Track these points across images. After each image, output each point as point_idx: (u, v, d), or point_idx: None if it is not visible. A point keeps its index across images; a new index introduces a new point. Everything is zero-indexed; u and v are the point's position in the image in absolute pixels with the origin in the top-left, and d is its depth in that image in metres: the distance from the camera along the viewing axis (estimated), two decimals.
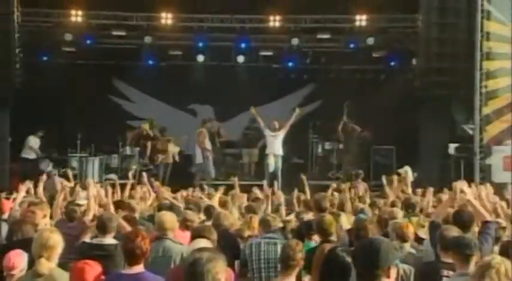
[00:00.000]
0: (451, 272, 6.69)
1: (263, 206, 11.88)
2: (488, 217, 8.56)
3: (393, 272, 4.46)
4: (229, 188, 15.54)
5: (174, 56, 24.20)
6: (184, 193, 15.65)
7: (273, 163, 20.36)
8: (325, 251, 7.19)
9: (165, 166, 21.95)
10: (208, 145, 21.36)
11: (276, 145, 20.43)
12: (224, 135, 23.19)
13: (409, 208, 11.44)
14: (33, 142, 21.84)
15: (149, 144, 22.38)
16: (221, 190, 14.60)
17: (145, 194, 14.24)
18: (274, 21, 22.69)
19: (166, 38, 23.59)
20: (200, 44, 23.75)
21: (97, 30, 23.03)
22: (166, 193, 14.44)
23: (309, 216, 10.55)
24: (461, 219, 8.30)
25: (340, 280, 5.69)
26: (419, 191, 14.94)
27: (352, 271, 5.72)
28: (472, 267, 6.13)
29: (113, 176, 21.09)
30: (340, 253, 5.99)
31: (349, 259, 5.88)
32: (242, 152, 23.52)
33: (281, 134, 20.44)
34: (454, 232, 7.30)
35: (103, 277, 5.73)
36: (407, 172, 15.76)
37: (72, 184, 17.36)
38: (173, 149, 22.42)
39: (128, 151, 22.68)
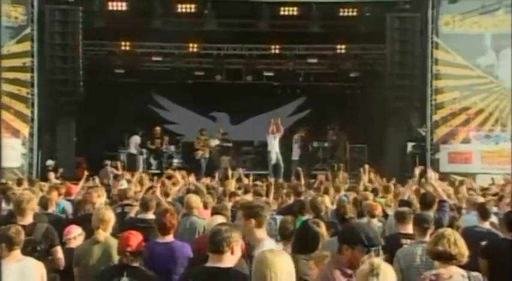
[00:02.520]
0: (408, 241, 6.66)
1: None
2: (445, 197, 8.61)
3: None
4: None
5: (199, 76, 24.19)
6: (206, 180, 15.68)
7: (274, 157, 20.36)
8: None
9: (205, 159, 21.77)
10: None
11: (275, 143, 20.43)
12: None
13: (376, 192, 11.54)
14: (137, 140, 21.95)
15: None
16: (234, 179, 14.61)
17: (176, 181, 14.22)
18: (275, 49, 22.57)
19: (192, 62, 23.56)
20: (218, 67, 23.72)
21: (140, 56, 23.01)
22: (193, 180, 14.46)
23: (291, 199, 10.61)
24: (426, 199, 8.32)
25: (310, 246, 5.61)
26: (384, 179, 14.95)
27: (320, 239, 5.75)
28: (427, 237, 6.10)
29: (152, 167, 21.06)
30: (311, 224, 5.91)
31: (318, 229, 5.77)
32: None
33: (278, 136, 20.43)
34: (407, 211, 7.31)
35: (144, 244, 5.69)
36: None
37: (120, 173, 17.39)
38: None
39: (163, 148, 22.58)
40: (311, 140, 23.38)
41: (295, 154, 22.28)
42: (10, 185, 12.05)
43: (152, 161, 22.21)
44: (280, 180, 16.57)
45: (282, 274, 3.77)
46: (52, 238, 7.11)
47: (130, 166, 20.38)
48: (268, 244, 5.10)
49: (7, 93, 18.86)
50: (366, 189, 12.22)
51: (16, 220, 7.35)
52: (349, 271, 4.20)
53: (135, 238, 5.55)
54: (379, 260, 3.51)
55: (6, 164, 18.33)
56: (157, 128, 22.41)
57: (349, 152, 22.59)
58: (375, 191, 11.69)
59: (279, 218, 8.06)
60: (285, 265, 3.82)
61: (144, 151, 21.97)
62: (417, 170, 10.69)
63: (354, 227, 5.08)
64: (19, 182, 13.80)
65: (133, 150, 21.82)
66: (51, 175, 16.74)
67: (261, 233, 5.27)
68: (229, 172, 16.29)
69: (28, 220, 7.28)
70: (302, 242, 5.68)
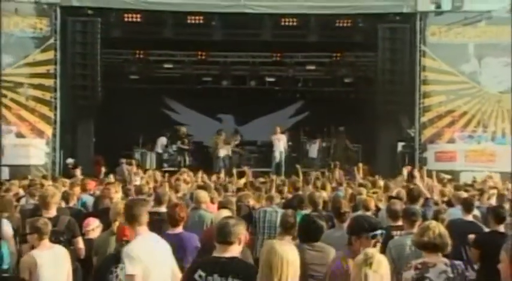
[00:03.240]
0: (398, 232, 6.67)
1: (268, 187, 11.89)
2: (428, 195, 8.65)
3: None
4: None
5: (206, 81, 24.13)
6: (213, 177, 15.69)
7: (278, 156, 20.45)
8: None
9: (228, 157, 21.66)
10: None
11: (280, 144, 20.53)
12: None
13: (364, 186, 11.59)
14: (163, 141, 21.96)
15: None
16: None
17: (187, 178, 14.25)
18: (276, 57, 22.58)
19: (200, 68, 23.52)
20: (224, 73, 23.71)
21: (153, 63, 23.03)
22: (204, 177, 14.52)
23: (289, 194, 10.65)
24: (412, 195, 8.37)
25: (313, 237, 5.66)
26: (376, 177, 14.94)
27: (322, 231, 5.82)
28: (416, 229, 6.12)
29: (164, 165, 21.08)
30: (315, 218, 5.94)
31: (321, 223, 5.82)
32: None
33: (283, 137, 20.56)
34: (397, 204, 7.30)
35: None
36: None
37: (135, 170, 17.41)
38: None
39: (174, 147, 22.61)
40: (309, 140, 23.39)
41: (312, 153, 22.33)
42: (37, 181, 12.11)
43: (179, 158, 22.18)
44: (282, 177, 16.57)
45: (288, 262, 3.79)
46: (74, 230, 7.16)
47: (158, 164, 20.44)
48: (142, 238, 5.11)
49: (32, 97, 18.99)
50: (360, 185, 12.23)
51: (41, 213, 7.40)
52: None
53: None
54: (374, 251, 3.51)
55: (31, 162, 18.45)
56: (183, 129, 22.36)
57: (344, 151, 22.59)
58: (362, 185, 11.75)
59: (280, 211, 8.11)
60: (290, 254, 3.85)
61: (170, 150, 21.99)
62: (405, 170, 10.84)
63: (357, 219, 5.20)
64: (44, 178, 13.90)
65: (159, 150, 21.86)
66: (78, 172, 16.75)
67: (140, 227, 5.19)
68: (234, 170, 16.37)
69: (52, 212, 7.33)
70: (306, 234, 5.71)
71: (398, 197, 8.66)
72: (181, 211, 6.58)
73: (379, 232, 4.73)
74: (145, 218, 5.23)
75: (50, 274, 5.58)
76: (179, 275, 5.23)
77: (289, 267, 3.80)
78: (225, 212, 6.80)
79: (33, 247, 5.83)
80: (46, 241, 5.87)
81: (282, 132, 21.25)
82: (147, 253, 4.98)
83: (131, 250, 4.96)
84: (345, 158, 22.03)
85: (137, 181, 13.16)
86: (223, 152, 21.31)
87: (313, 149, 22.54)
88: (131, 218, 5.20)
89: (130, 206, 5.41)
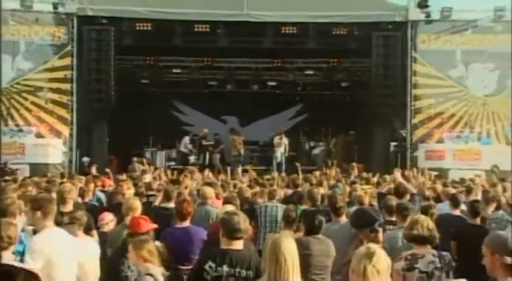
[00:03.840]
0: (391, 226, 6.68)
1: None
2: (413, 191, 8.68)
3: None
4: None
5: (212, 85, 24.16)
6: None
7: (279, 156, 20.47)
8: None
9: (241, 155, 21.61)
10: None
11: (281, 146, 20.56)
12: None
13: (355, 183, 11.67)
14: (186, 140, 21.97)
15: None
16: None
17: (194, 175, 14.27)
18: (277, 62, 22.54)
19: (207, 73, 23.54)
20: (229, 77, 23.72)
21: (163, 69, 23.05)
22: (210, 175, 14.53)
23: (289, 191, 10.63)
24: (399, 190, 8.38)
25: (316, 230, 5.70)
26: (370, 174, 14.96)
27: (323, 224, 5.86)
28: (407, 223, 6.13)
29: (172, 163, 21.09)
30: (317, 214, 5.97)
31: (322, 218, 5.87)
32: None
33: (284, 140, 20.60)
34: (393, 200, 7.30)
35: (152, 227, 5.66)
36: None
37: (146, 168, 17.42)
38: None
39: (182, 147, 22.62)
40: (308, 140, 23.45)
41: (315, 152, 22.38)
42: (55, 178, 12.13)
43: (202, 157, 22.15)
44: (283, 174, 16.57)
45: (289, 253, 3.86)
46: (89, 223, 7.17)
47: (183, 162, 20.45)
48: (47, 232, 4.96)
49: (51, 100, 19.02)
50: (354, 182, 12.23)
51: (59, 208, 7.41)
52: None
53: (145, 222, 5.51)
54: (375, 246, 3.50)
55: (50, 160, 18.49)
56: (205, 130, 22.35)
57: (340, 150, 22.60)
58: (355, 183, 11.78)
59: (280, 206, 8.12)
60: (291, 246, 3.91)
61: (193, 149, 21.97)
62: (396, 172, 10.89)
63: (357, 214, 5.24)
64: (62, 176, 13.93)
65: (183, 149, 21.85)
66: (93, 169, 16.77)
67: (46, 222, 4.99)
68: (240, 168, 16.42)
69: (69, 207, 7.34)
70: (311, 228, 5.76)
71: (386, 194, 8.67)
72: (188, 206, 6.59)
73: (376, 224, 4.78)
74: (52, 213, 5.00)
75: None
76: (88, 269, 5.24)
77: (293, 258, 3.87)
78: (229, 208, 6.81)
79: None
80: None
81: (285, 136, 21.22)
82: (50, 247, 4.78)
83: (34, 243, 4.79)
84: (342, 156, 22.08)
85: (147, 179, 13.18)
86: (242, 150, 21.37)
87: (317, 149, 22.56)
88: (36, 208, 4.99)
89: (35, 199, 5.26)
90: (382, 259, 3.39)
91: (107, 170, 14.60)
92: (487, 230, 6.94)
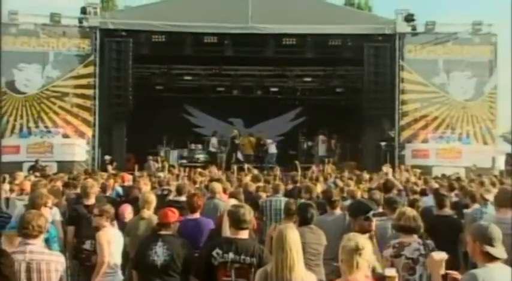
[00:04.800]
0: (381, 218, 6.65)
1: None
2: (400, 187, 8.67)
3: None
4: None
5: (220, 91, 24.22)
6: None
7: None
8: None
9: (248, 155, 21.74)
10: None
11: (273, 147, 20.79)
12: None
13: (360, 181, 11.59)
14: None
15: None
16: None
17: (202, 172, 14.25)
18: (278, 70, 22.61)
19: (215, 80, 23.60)
20: (235, 84, 23.72)
21: (175, 76, 23.07)
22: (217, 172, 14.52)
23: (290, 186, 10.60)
24: (387, 185, 8.38)
25: (309, 221, 5.72)
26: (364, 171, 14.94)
27: (314, 217, 5.87)
28: (396, 214, 6.11)
29: (184, 161, 21.11)
30: (309, 207, 5.99)
31: (313, 211, 5.89)
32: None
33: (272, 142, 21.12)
34: (377, 194, 7.29)
35: (176, 219, 5.67)
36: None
37: (160, 165, 17.46)
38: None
39: (193, 146, 22.62)
40: (306, 140, 23.39)
41: (321, 151, 22.33)
42: (79, 175, 12.14)
43: (184, 155, 22.16)
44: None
45: (294, 242, 3.90)
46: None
47: (212, 161, 20.51)
48: None
49: (76, 104, 19.05)
50: (350, 178, 12.22)
51: (83, 201, 7.43)
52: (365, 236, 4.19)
53: (172, 213, 5.52)
54: (363, 240, 3.50)
55: (75, 158, 18.53)
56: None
57: (335, 149, 22.57)
58: (350, 179, 11.78)
59: (284, 199, 8.10)
60: (296, 236, 3.94)
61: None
62: (384, 168, 10.97)
63: (353, 204, 5.25)
64: (85, 172, 13.94)
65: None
66: (109, 167, 16.82)
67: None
68: (246, 166, 16.40)
69: (91, 201, 7.37)
70: (304, 219, 5.78)
71: (378, 188, 8.65)
72: (199, 199, 6.58)
73: (370, 213, 4.82)
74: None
75: (115, 248, 5.61)
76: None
77: (297, 247, 3.90)
78: (233, 201, 6.80)
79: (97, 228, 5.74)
80: (109, 222, 5.82)
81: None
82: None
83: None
84: (337, 155, 22.06)
85: (161, 175, 13.17)
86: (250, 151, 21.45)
87: (321, 147, 22.49)
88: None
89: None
90: (369, 250, 3.43)
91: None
92: (454, 220, 7.03)
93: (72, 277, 6.36)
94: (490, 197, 7.26)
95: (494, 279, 3.42)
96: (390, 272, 3.91)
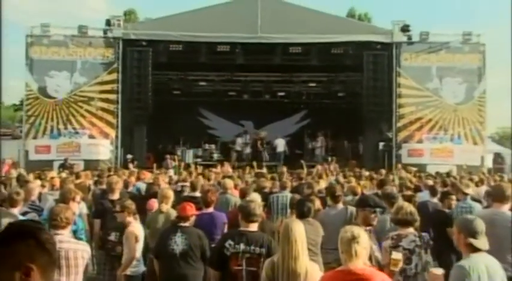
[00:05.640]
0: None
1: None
2: (393, 183, 8.66)
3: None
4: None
5: (232, 95, 24.22)
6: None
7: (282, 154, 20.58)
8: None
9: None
10: None
11: (282, 145, 20.69)
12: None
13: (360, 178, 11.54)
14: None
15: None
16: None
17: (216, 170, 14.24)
18: (285, 76, 22.55)
19: (227, 85, 23.62)
20: (245, 89, 23.69)
21: (191, 82, 23.08)
22: (229, 169, 14.48)
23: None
24: (382, 183, 8.37)
25: (306, 214, 5.69)
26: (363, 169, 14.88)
27: (311, 211, 5.84)
28: (394, 208, 6.08)
29: (199, 160, 21.13)
30: (306, 201, 5.97)
31: (310, 205, 5.85)
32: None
33: (283, 141, 20.83)
34: (388, 190, 7.23)
35: (194, 212, 5.68)
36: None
37: (176, 163, 17.47)
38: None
39: (207, 146, 22.63)
40: (311, 141, 23.32)
41: (324, 151, 22.36)
42: (103, 172, 12.17)
43: (198, 154, 22.16)
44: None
45: (299, 235, 3.88)
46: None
47: (207, 159, 20.54)
48: None
49: (100, 108, 19.14)
50: (351, 175, 12.17)
51: (108, 196, 7.45)
52: (364, 228, 4.17)
53: (190, 208, 5.53)
54: (358, 229, 3.48)
55: (100, 157, 18.62)
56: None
57: (337, 149, 22.51)
58: (351, 176, 11.71)
59: (290, 195, 8.06)
60: (301, 229, 3.92)
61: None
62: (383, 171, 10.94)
63: (363, 197, 5.20)
64: (109, 170, 13.98)
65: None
66: (131, 165, 16.85)
67: (130, 219, 5.46)
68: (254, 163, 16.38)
69: (116, 196, 7.38)
70: (302, 212, 5.75)
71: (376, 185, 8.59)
72: (212, 195, 6.57)
73: (378, 209, 4.78)
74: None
75: (141, 243, 5.66)
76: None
77: (302, 239, 3.88)
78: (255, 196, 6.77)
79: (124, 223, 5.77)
80: (130, 217, 5.81)
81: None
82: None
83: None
84: (339, 154, 22.00)
85: (171, 173, 13.13)
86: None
87: (318, 149, 22.49)
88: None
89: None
90: (365, 240, 3.39)
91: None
92: (445, 214, 7.04)
93: (98, 265, 6.40)
94: (470, 191, 7.61)
95: (479, 266, 3.48)
96: (397, 255, 3.91)
